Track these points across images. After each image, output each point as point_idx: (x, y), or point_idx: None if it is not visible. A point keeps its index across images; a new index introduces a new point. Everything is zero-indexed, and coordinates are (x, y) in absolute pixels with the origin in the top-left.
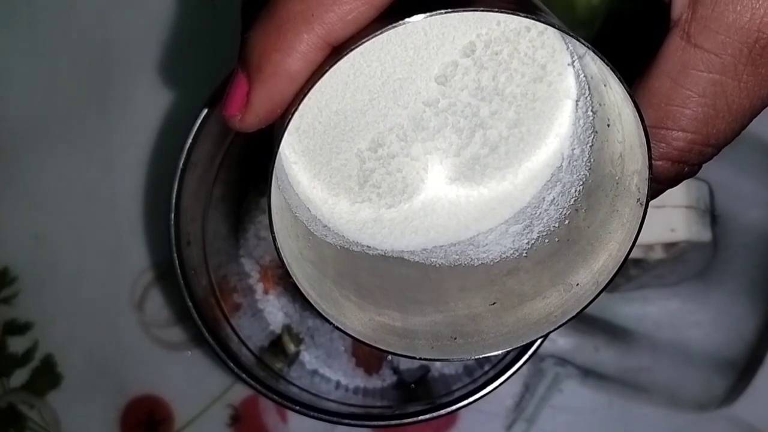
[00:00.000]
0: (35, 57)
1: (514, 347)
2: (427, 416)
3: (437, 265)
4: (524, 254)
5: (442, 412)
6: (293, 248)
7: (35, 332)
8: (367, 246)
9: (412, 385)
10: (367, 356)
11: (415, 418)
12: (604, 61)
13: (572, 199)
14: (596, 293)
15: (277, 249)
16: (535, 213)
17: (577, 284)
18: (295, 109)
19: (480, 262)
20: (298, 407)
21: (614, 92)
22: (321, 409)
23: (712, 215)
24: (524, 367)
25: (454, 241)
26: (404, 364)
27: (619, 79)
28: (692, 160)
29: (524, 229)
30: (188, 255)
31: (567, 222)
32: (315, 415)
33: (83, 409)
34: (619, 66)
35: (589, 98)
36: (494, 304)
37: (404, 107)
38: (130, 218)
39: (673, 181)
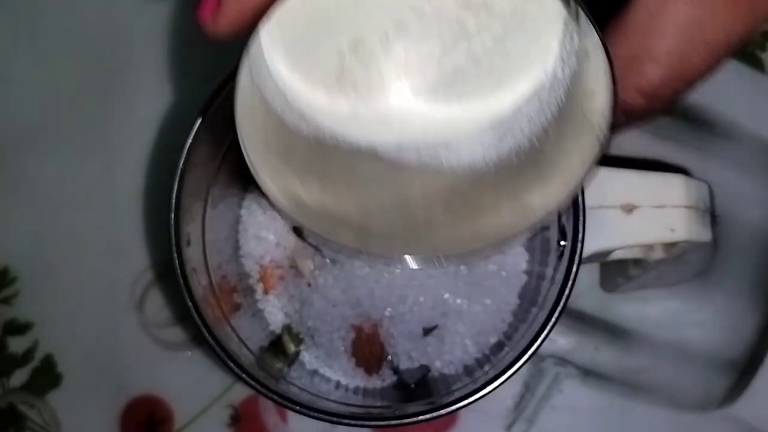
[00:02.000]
0: (35, 57)
1: (461, 253)
2: (427, 416)
3: (408, 167)
4: (491, 166)
5: (442, 412)
6: (258, 139)
7: (35, 332)
8: (342, 140)
9: (412, 385)
10: (368, 356)
11: (415, 418)
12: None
13: (545, 119)
14: (544, 216)
15: (240, 140)
16: (510, 126)
17: (531, 206)
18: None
19: (449, 169)
20: (298, 407)
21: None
22: (321, 409)
23: (712, 215)
24: (524, 367)
25: (428, 140)
26: (404, 364)
27: (587, 16)
28: (665, 95)
29: (497, 141)
30: (188, 255)
31: (537, 143)
32: (315, 415)
33: (83, 409)
34: (593, 8)
35: (577, 24)
36: (452, 213)
37: (389, 10)
38: (130, 218)
39: (643, 116)
